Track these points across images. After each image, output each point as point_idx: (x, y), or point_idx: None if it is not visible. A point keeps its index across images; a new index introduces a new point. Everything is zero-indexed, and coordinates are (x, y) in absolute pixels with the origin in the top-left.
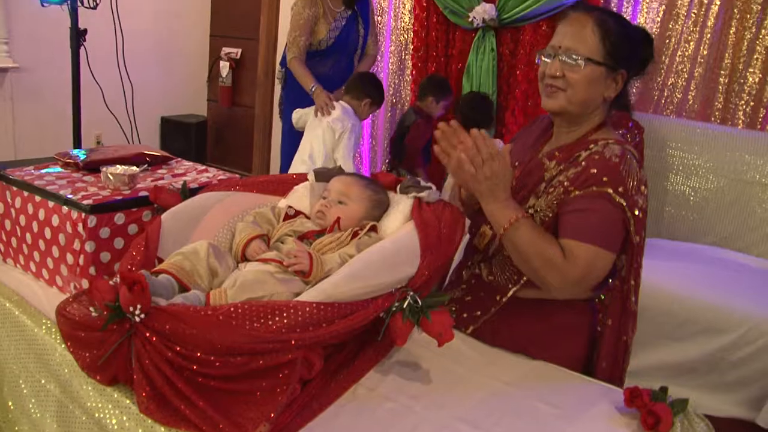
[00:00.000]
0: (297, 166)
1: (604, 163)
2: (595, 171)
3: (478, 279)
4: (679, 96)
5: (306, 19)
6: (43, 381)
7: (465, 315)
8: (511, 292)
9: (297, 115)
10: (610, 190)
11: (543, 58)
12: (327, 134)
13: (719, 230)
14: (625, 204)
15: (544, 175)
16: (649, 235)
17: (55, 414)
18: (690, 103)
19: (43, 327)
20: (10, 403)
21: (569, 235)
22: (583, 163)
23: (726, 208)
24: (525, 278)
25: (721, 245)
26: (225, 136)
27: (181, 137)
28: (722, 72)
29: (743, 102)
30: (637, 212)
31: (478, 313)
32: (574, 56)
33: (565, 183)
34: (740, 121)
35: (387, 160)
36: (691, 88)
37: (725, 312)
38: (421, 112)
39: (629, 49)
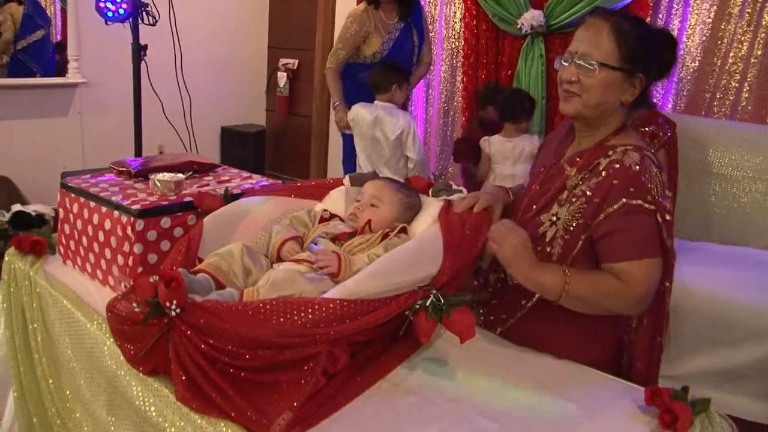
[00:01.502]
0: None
1: (625, 172)
2: (618, 182)
3: (503, 283)
4: (731, 98)
5: (352, 34)
6: (94, 372)
7: (492, 318)
8: (536, 297)
9: (351, 114)
10: (640, 201)
11: (562, 63)
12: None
13: None
14: (656, 210)
15: (566, 183)
16: (698, 238)
17: (105, 403)
18: (743, 104)
19: (95, 323)
20: (68, 392)
21: (620, 258)
22: (603, 172)
23: None
24: None
25: None
26: (283, 145)
27: (240, 146)
28: None
29: None
30: (667, 216)
31: (504, 316)
32: (588, 61)
33: (588, 193)
34: None
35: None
36: (744, 90)
37: None
38: (484, 121)
39: (647, 53)
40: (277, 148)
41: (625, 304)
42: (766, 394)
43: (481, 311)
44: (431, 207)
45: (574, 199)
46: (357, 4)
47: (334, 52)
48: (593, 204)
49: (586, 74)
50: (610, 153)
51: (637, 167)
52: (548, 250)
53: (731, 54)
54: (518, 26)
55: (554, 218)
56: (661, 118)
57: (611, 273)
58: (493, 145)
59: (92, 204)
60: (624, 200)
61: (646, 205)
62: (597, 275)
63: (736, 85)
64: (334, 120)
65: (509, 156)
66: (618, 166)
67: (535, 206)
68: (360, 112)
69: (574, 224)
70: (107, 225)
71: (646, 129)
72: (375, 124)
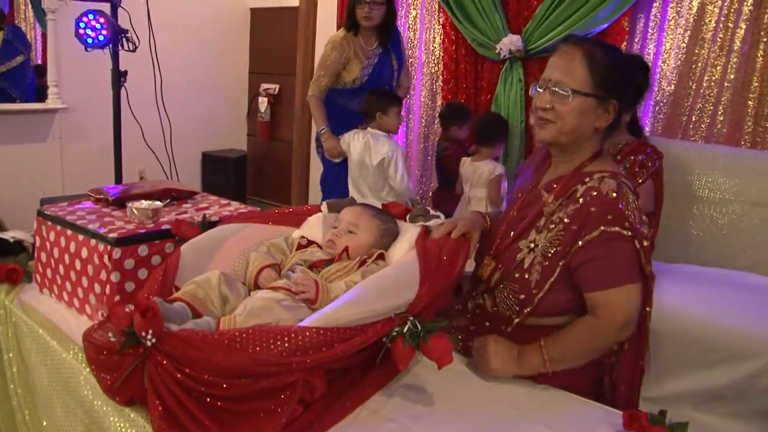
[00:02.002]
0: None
1: (603, 200)
2: (595, 209)
3: (482, 309)
4: (707, 121)
5: (333, 61)
6: (71, 402)
7: (471, 344)
8: (515, 323)
9: (345, 142)
10: (618, 228)
11: (537, 90)
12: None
13: (749, 255)
14: (634, 236)
15: (543, 210)
16: (677, 260)
17: None
18: (718, 127)
19: (71, 352)
20: (44, 422)
21: (597, 287)
22: (581, 199)
23: (756, 234)
24: (528, 309)
25: (751, 270)
26: (264, 170)
27: (222, 171)
28: (751, 95)
29: None
30: (645, 242)
31: None
32: (563, 88)
33: (566, 220)
34: None
35: (434, 186)
36: (719, 113)
37: (753, 337)
38: (450, 139)
39: (620, 80)
40: (259, 173)
41: (610, 336)
42: (745, 415)
43: (460, 337)
44: (408, 233)
45: (552, 226)
46: (337, 30)
47: (316, 79)
48: (571, 231)
49: (560, 101)
50: (587, 180)
51: (615, 194)
52: (526, 276)
53: (705, 78)
54: (497, 51)
55: (532, 245)
56: (649, 148)
57: (591, 304)
58: (463, 166)
59: (69, 232)
60: (602, 228)
61: (624, 232)
62: (571, 327)
63: (711, 108)
64: (314, 148)
65: (470, 178)
66: (595, 193)
67: (512, 232)
68: (352, 139)
69: (552, 251)
70: (84, 253)
71: (636, 158)
72: (365, 149)
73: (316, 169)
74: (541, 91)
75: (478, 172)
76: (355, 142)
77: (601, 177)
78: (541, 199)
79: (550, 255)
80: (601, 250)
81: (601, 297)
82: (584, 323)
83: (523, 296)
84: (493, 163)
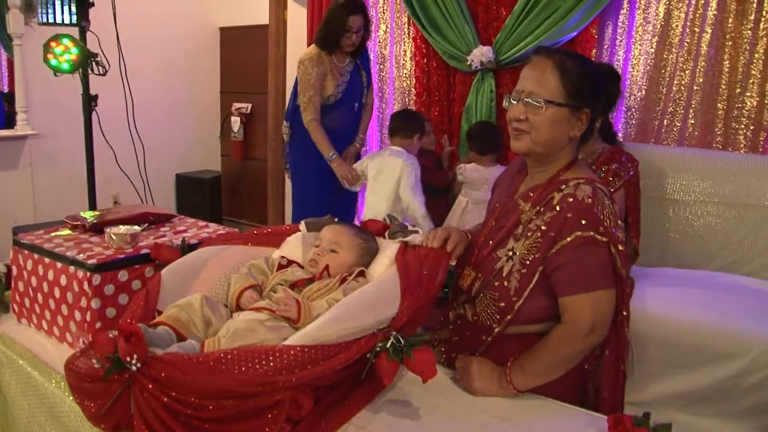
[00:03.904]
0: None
1: (579, 205)
2: (571, 215)
3: (463, 319)
4: (678, 124)
5: (315, 77)
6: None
7: (454, 355)
8: (495, 332)
9: (362, 167)
10: (592, 233)
11: (511, 102)
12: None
13: (726, 256)
14: (608, 242)
15: (521, 218)
16: (655, 264)
17: None
18: (690, 130)
19: (53, 381)
20: None
21: (567, 291)
22: (558, 207)
23: (731, 234)
24: (509, 317)
25: (729, 270)
26: (239, 190)
27: (196, 193)
28: (720, 98)
29: (743, 126)
30: (620, 247)
31: (467, 353)
32: (536, 99)
33: (543, 227)
34: (741, 146)
35: None
36: (690, 116)
37: (735, 337)
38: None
39: (591, 88)
40: (234, 193)
41: (578, 342)
42: (730, 415)
43: (443, 349)
44: (388, 249)
45: (529, 234)
46: (307, 47)
47: (308, 100)
48: (548, 238)
49: (534, 112)
50: (563, 187)
51: (590, 200)
52: (505, 284)
53: (675, 82)
54: (468, 63)
55: (510, 253)
56: (624, 156)
57: (561, 309)
58: (464, 172)
59: (47, 260)
60: (577, 233)
61: (599, 237)
62: (543, 339)
63: (682, 111)
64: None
65: (476, 183)
66: (571, 200)
67: (491, 242)
68: (370, 162)
69: (530, 258)
70: (63, 281)
71: (609, 167)
72: (381, 167)
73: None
74: (514, 103)
75: (485, 176)
76: (373, 165)
77: (577, 184)
78: (518, 208)
79: (528, 262)
80: (575, 254)
81: (569, 302)
82: (554, 333)
83: (502, 304)
84: (501, 167)
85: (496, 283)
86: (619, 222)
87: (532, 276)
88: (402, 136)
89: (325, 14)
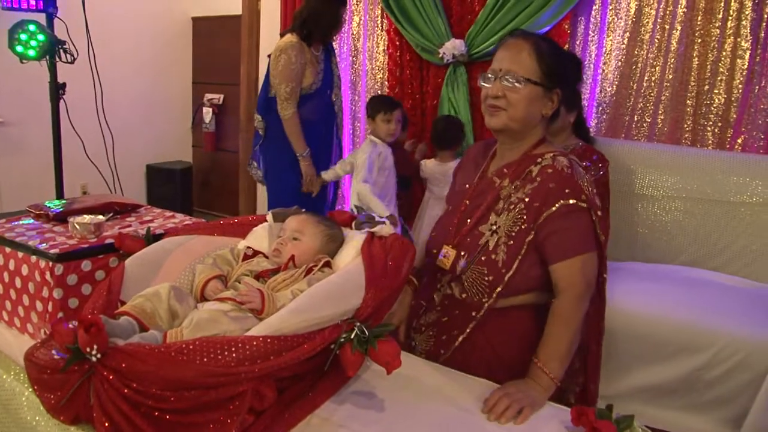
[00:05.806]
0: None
1: (559, 175)
2: (554, 185)
3: (451, 299)
4: (648, 120)
5: (298, 66)
6: (11, 426)
7: (444, 337)
8: (485, 306)
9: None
10: (575, 200)
11: (483, 83)
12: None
13: (692, 251)
14: (589, 208)
15: (500, 193)
16: (623, 258)
17: None
18: (660, 126)
19: (12, 373)
20: None
21: (558, 258)
22: (538, 178)
23: (698, 229)
24: (498, 290)
25: (695, 265)
26: (210, 181)
27: (167, 184)
28: (689, 95)
29: (711, 123)
30: (599, 212)
31: (456, 332)
32: (513, 77)
33: (526, 199)
34: (709, 143)
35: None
36: (660, 112)
37: (699, 331)
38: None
39: (563, 71)
40: (205, 185)
41: (582, 304)
42: (696, 407)
43: (431, 333)
44: (354, 240)
45: (512, 207)
46: (280, 38)
47: (289, 93)
48: (533, 208)
49: (512, 90)
50: (539, 160)
51: (569, 170)
52: (493, 257)
53: (645, 78)
54: (440, 56)
55: (494, 227)
56: (596, 155)
57: (554, 277)
58: (425, 168)
59: (8, 249)
60: (562, 201)
61: (581, 204)
62: (547, 329)
63: (652, 107)
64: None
65: (439, 179)
66: (551, 171)
67: (469, 219)
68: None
69: (516, 230)
70: (24, 270)
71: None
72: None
73: None
74: (490, 80)
75: (445, 170)
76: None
77: (553, 156)
78: (495, 185)
79: (514, 234)
80: (562, 222)
81: (562, 268)
82: (557, 308)
83: (491, 277)
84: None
85: (483, 258)
86: (594, 190)
87: (519, 247)
88: (367, 121)
89: (309, 8)
